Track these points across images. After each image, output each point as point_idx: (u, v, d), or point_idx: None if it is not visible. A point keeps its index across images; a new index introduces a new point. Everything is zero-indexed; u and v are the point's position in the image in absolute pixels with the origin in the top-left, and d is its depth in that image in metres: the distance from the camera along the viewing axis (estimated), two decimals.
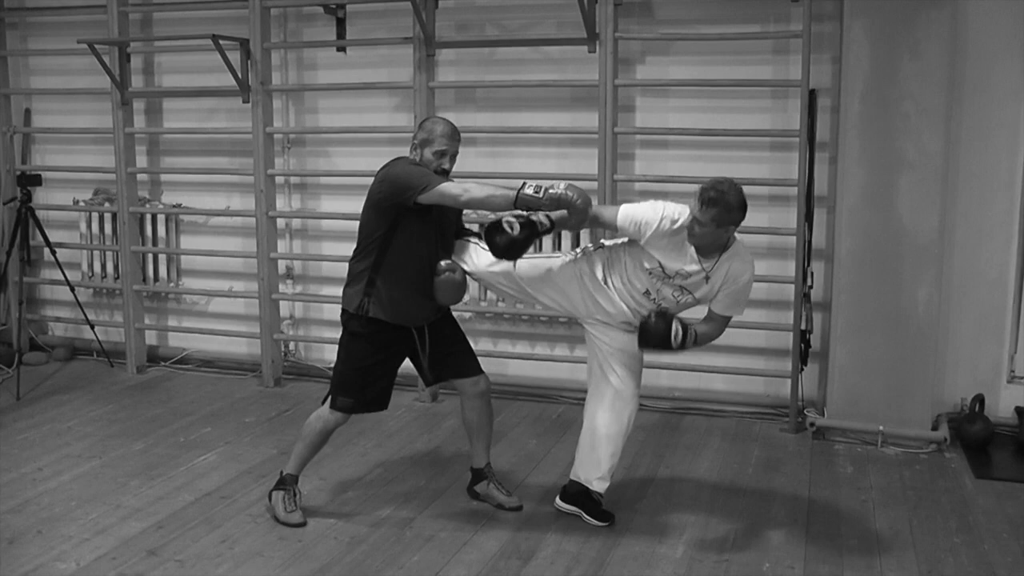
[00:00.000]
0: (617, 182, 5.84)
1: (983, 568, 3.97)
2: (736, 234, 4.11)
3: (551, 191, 3.88)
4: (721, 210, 3.87)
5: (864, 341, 5.46)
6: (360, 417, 5.37)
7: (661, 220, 3.99)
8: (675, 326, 4.00)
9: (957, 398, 5.68)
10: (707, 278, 4.06)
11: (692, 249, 4.02)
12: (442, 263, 4.24)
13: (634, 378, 4.33)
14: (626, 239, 4.18)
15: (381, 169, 4.25)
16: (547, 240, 5.79)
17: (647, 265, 4.09)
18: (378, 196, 4.17)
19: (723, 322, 4.20)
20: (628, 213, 4.07)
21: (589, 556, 4.04)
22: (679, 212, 4.01)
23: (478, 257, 4.31)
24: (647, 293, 4.16)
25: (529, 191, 3.89)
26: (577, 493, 4.43)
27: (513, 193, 3.92)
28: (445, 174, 4.18)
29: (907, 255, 5.33)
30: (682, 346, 4.04)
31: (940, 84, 5.20)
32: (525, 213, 3.94)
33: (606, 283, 4.22)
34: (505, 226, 3.93)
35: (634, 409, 4.34)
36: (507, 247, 3.99)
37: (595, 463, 4.35)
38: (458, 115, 6.16)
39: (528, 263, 4.27)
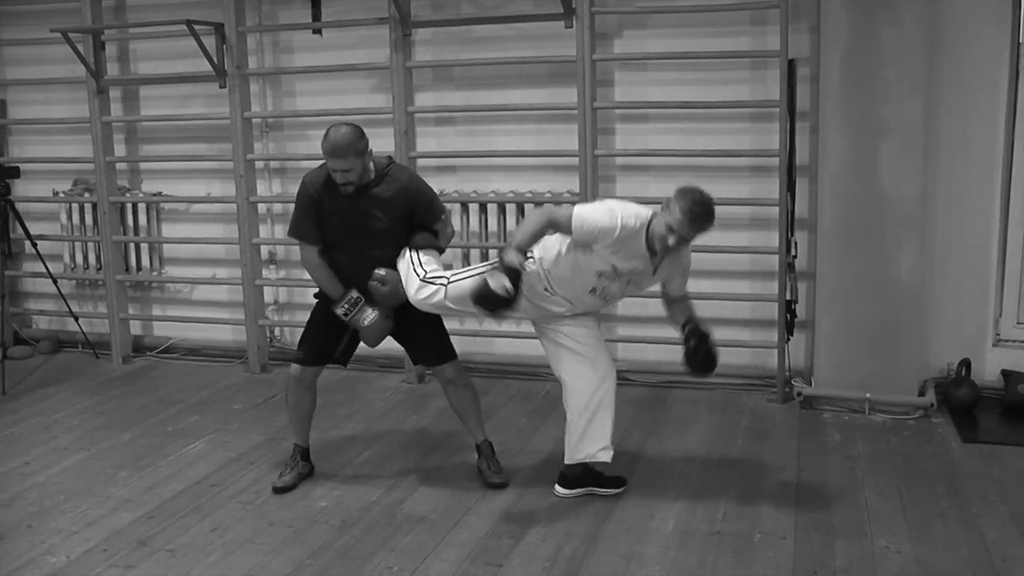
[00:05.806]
0: (598, 157, 5.82)
1: (972, 531, 3.99)
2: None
3: (353, 317, 4.29)
4: (709, 225, 3.89)
5: (849, 309, 5.47)
6: (348, 400, 5.42)
7: (619, 229, 3.89)
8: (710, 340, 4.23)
9: (943, 363, 5.69)
10: (655, 271, 4.12)
11: (644, 247, 3.97)
12: (377, 271, 4.29)
13: (604, 354, 4.34)
14: (565, 246, 4.07)
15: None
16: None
17: (598, 268, 4.03)
18: None
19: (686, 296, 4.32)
20: (583, 219, 3.92)
21: (580, 532, 4.04)
22: (635, 217, 3.92)
23: (408, 282, 4.28)
24: (594, 291, 4.15)
25: (344, 308, 4.30)
26: (578, 476, 4.39)
27: (340, 295, 4.30)
28: (348, 185, 4.26)
29: (890, 222, 5.33)
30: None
31: (919, 50, 5.18)
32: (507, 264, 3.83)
33: (548, 290, 4.18)
34: (499, 291, 3.77)
35: (614, 379, 4.34)
36: (499, 306, 3.85)
37: (597, 436, 4.29)
38: (436, 94, 6.16)
39: (457, 287, 4.19)
